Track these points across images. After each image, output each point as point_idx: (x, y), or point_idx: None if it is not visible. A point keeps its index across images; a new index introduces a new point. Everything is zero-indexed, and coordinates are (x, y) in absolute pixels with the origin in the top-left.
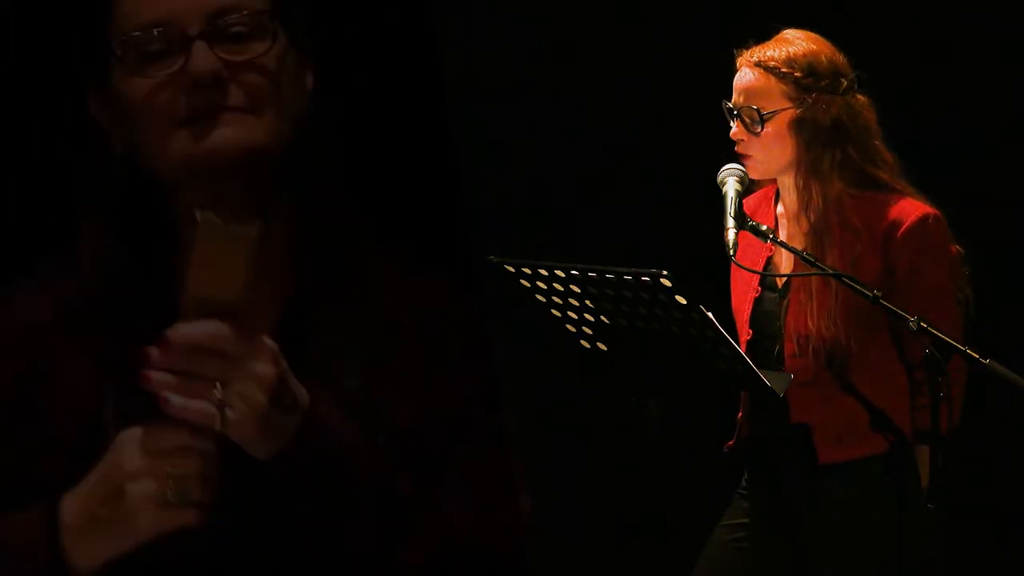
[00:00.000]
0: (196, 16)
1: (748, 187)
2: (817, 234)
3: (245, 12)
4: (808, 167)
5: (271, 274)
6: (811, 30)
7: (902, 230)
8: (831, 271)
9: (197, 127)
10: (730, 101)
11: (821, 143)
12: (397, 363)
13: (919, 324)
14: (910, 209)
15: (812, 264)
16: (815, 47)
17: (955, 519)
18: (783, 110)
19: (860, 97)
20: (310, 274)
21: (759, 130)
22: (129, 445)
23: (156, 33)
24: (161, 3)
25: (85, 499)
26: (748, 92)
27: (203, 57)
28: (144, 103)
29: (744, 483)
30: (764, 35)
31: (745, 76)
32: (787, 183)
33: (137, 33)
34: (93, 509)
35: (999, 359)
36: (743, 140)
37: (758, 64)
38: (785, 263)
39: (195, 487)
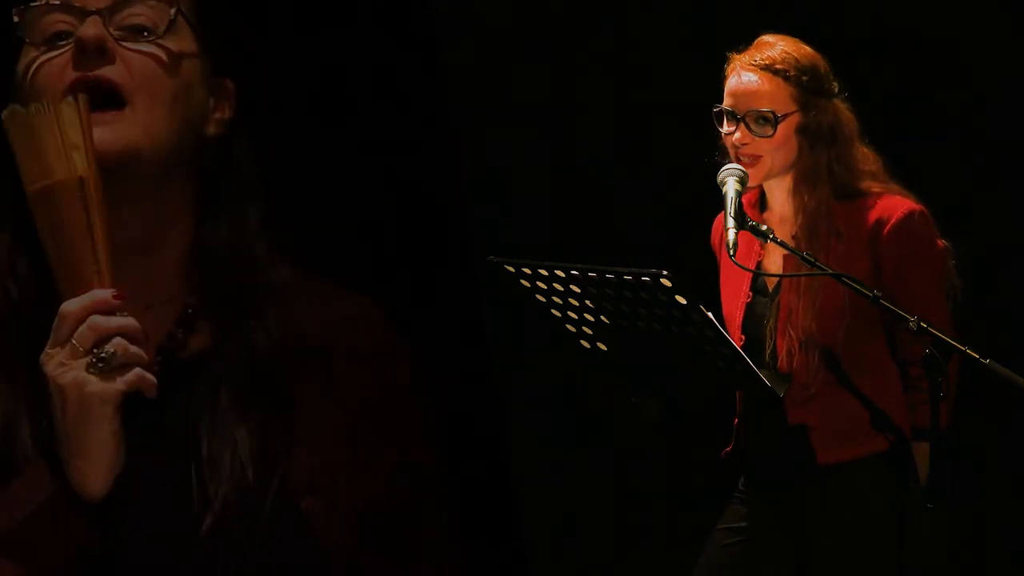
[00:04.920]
0: None
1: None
2: (806, 238)
3: (149, 4)
4: (803, 171)
5: (162, 288)
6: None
7: (888, 227)
8: (830, 271)
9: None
10: (722, 105)
11: (817, 147)
12: (307, 397)
13: (919, 324)
14: (894, 206)
15: (812, 264)
16: (812, 51)
17: (955, 519)
18: (792, 113)
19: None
20: (207, 291)
21: (771, 133)
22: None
23: (56, 4)
24: None
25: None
26: (755, 96)
27: (91, 25)
28: (36, 79)
29: (741, 486)
30: (751, 38)
31: (749, 79)
32: (779, 186)
33: (36, 4)
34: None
35: (999, 359)
36: (748, 143)
37: (765, 68)
38: (775, 267)
39: (120, 351)
